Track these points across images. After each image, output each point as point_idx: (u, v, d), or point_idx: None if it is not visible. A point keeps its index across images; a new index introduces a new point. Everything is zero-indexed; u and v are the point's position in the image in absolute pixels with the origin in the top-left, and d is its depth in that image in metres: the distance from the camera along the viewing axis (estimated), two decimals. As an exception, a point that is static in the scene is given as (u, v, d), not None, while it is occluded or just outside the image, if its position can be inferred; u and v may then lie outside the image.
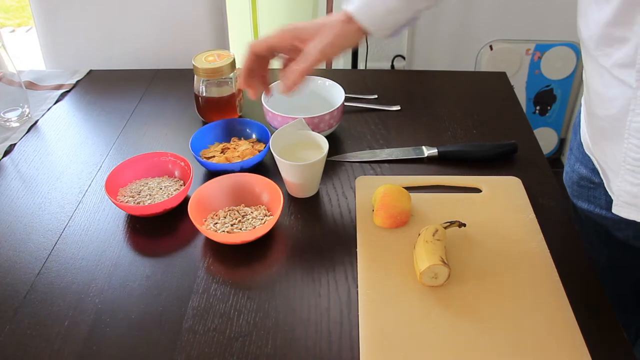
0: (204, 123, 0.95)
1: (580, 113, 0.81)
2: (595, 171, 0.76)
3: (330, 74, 1.00)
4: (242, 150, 0.84)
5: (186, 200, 0.75)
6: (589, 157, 0.76)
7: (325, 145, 0.77)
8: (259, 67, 0.74)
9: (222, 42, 1.23)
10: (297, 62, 0.70)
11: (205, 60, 0.92)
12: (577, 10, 0.63)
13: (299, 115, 0.85)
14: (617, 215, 0.67)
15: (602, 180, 0.74)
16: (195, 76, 0.93)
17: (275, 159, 0.76)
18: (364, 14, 0.70)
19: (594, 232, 0.82)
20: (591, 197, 0.79)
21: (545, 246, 0.69)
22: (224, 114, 0.94)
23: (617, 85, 0.58)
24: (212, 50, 0.95)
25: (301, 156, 0.78)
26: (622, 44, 0.55)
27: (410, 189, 0.77)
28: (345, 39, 0.71)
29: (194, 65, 0.91)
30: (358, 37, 0.72)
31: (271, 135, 0.86)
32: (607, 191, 0.73)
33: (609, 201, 0.74)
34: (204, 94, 0.93)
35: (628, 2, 0.52)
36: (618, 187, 0.64)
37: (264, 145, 0.86)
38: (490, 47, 2.01)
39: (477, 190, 0.79)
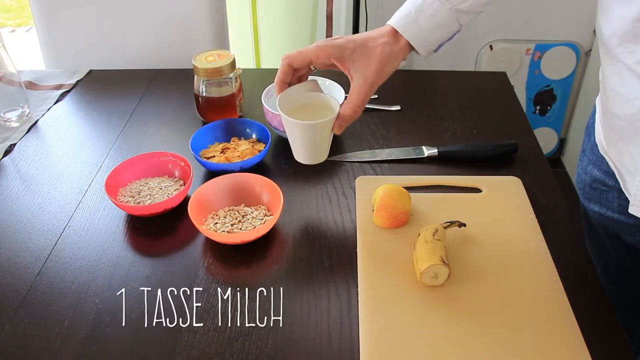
0: (204, 123, 0.95)
1: (594, 114, 0.80)
2: (608, 174, 0.75)
3: (330, 73, 1.00)
4: (242, 150, 0.84)
5: (186, 200, 0.75)
6: (602, 159, 0.75)
7: (336, 106, 0.71)
8: (292, 79, 0.73)
9: (222, 42, 1.23)
10: (349, 105, 0.69)
11: (205, 60, 0.92)
12: (597, 7, 0.62)
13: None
14: (630, 219, 0.67)
15: (615, 183, 0.73)
16: (195, 76, 0.93)
17: (282, 119, 0.71)
18: (409, 29, 0.68)
19: (604, 235, 0.82)
20: (603, 200, 0.78)
21: (545, 246, 0.69)
22: (224, 114, 0.94)
23: (639, 84, 0.57)
24: (212, 50, 0.95)
25: (310, 118, 0.70)
26: None
27: (410, 189, 0.77)
28: (391, 63, 0.68)
29: (194, 65, 0.91)
30: (402, 56, 0.70)
31: (271, 135, 0.86)
32: (620, 194, 0.72)
33: (621, 204, 0.74)
34: (204, 94, 0.93)
35: None
36: (636, 187, 0.64)
37: (264, 145, 0.86)
38: (490, 47, 2.01)
39: (477, 190, 0.79)
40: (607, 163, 0.74)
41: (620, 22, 0.57)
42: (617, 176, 0.70)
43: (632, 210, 0.66)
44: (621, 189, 0.71)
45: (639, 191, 0.64)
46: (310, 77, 0.77)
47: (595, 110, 0.79)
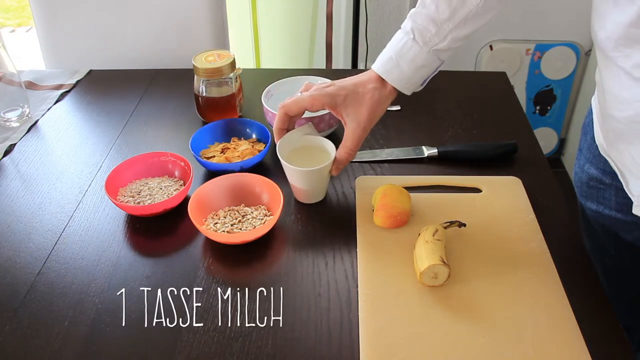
0: (204, 123, 0.95)
1: (590, 113, 0.80)
2: (605, 172, 0.75)
3: (330, 74, 1.00)
4: (242, 150, 0.84)
5: (186, 200, 0.75)
6: (599, 157, 0.76)
7: (332, 150, 0.76)
8: (289, 124, 0.77)
9: (222, 42, 1.23)
10: (344, 150, 0.73)
11: (205, 60, 0.92)
12: (592, 12, 0.62)
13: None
14: (628, 216, 0.67)
15: (613, 182, 0.73)
16: (195, 76, 0.93)
17: (282, 165, 0.75)
18: (391, 72, 0.72)
19: (602, 233, 0.82)
20: (600, 198, 0.78)
21: (545, 246, 0.69)
22: (224, 114, 0.94)
23: (636, 86, 0.58)
24: (212, 50, 0.95)
25: (308, 161, 0.76)
26: None
27: (410, 189, 0.77)
28: (381, 106, 0.73)
29: (194, 65, 0.91)
30: (391, 99, 0.74)
31: (271, 135, 0.86)
32: (617, 192, 0.73)
33: (619, 202, 0.74)
34: (204, 94, 0.93)
35: None
36: (638, 188, 0.64)
37: (264, 145, 0.86)
38: (490, 47, 2.01)
39: (477, 190, 0.79)
40: (604, 161, 0.75)
41: (614, 27, 0.57)
42: (620, 177, 0.70)
43: (635, 211, 0.66)
44: (618, 187, 0.71)
45: None
46: (306, 123, 0.80)
47: (591, 109, 0.80)
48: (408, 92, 0.74)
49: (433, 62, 0.72)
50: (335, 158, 0.74)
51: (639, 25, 0.54)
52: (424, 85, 0.76)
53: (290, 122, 0.76)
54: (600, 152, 0.75)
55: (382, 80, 0.72)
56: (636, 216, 0.66)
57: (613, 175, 0.72)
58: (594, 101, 0.77)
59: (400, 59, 0.71)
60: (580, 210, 0.86)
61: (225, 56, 0.93)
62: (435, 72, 0.75)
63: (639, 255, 0.79)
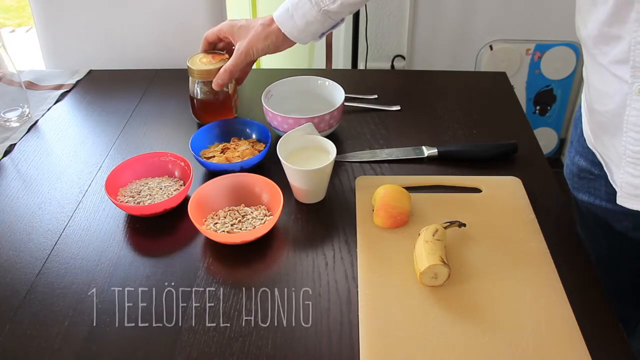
0: (200, 126, 0.94)
1: (580, 107, 0.82)
2: (594, 163, 0.77)
3: (330, 74, 1.00)
4: (242, 150, 0.84)
5: (186, 200, 0.75)
6: (588, 149, 0.78)
7: (333, 150, 0.76)
8: (214, 47, 0.93)
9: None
10: (224, 67, 0.86)
11: (200, 62, 0.90)
12: (576, 10, 0.65)
13: (299, 116, 0.85)
14: (617, 207, 0.68)
15: (601, 172, 0.75)
16: (190, 78, 0.92)
17: (282, 164, 0.75)
18: (285, 22, 0.83)
19: (593, 223, 0.83)
20: (591, 189, 0.80)
21: (545, 246, 0.69)
22: (219, 116, 0.93)
23: (615, 82, 0.60)
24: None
25: (308, 161, 0.77)
26: (617, 42, 0.58)
27: (410, 189, 0.77)
28: (265, 40, 0.85)
29: (188, 67, 0.89)
30: (280, 37, 0.85)
31: (271, 135, 0.86)
32: (607, 182, 0.75)
33: (609, 192, 0.76)
34: (199, 96, 0.93)
35: (622, 1, 0.55)
36: (620, 179, 0.66)
37: (264, 145, 0.86)
38: (490, 47, 2.01)
39: (477, 190, 0.79)
40: (593, 153, 0.76)
41: (592, 25, 0.60)
42: (605, 168, 0.72)
43: (619, 201, 0.68)
44: (607, 178, 0.73)
45: (623, 183, 0.65)
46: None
47: (581, 103, 0.82)
48: (303, 42, 0.85)
49: (325, 21, 0.82)
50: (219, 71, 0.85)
51: (612, 24, 0.57)
52: (322, 38, 0.87)
53: (209, 46, 0.92)
54: (588, 144, 0.77)
55: (271, 21, 0.84)
56: (624, 207, 0.67)
57: (601, 166, 0.74)
58: (583, 96, 0.79)
59: (294, 12, 0.81)
60: (573, 203, 0.87)
61: (220, 57, 0.92)
62: (333, 28, 0.85)
63: (630, 245, 0.81)
